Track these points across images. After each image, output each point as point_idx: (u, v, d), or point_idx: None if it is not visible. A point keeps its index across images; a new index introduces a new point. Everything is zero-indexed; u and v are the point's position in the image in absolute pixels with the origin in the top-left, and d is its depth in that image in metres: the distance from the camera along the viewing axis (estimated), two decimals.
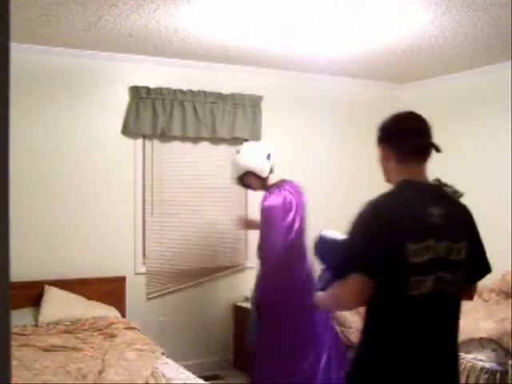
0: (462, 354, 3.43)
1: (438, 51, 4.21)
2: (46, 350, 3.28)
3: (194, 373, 3.16)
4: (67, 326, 3.75)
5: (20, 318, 3.74)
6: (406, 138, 1.85)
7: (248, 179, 3.66)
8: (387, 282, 1.71)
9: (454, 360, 1.86)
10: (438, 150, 1.84)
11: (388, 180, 1.95)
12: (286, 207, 3.47)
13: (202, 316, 4.72)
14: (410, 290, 1.70)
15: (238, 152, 3.72)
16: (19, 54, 4.00)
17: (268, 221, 3.49)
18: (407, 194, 1.80)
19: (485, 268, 1.92)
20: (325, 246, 2.03)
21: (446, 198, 1.85)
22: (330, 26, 3.62)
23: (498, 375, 3.52)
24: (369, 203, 1.79)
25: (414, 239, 1.70)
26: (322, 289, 1.95)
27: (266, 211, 3.49)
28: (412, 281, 1.69)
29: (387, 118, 1.93)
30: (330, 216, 5.16)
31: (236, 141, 4.69)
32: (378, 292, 1.71)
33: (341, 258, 1.80)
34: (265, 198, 3.52)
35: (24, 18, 3.44)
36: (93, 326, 3.75)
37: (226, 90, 4.73)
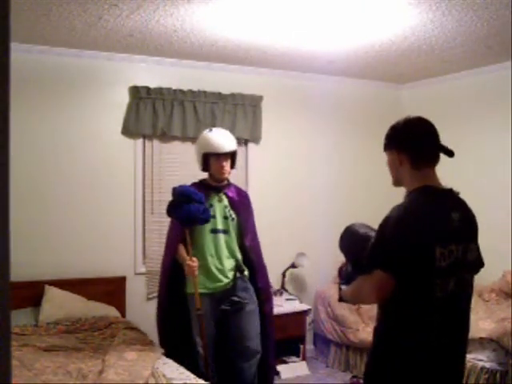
0: None
1: (438, 51, 4.21)
2: (46, 350, 3.28)
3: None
4: (67, 325, 3.75)
5: (20, 318, 3.74)
6: (422, 143, 1.91)
7: (226, 159, 3.35)
8: (414, 285, 1.77)
9: (463, 357, 1.95)
10: (451, 154, 1.89)
11: (399, 184, 1.98)
12: None
13: None
14: (435, 293, 1.78)
15: (210, 130, 3.41)
16: (19, 53, 3.99)
17: (251, 208, 3.57)
18: (432, 200, 1.86)
19: (481, 263, 2.00)
20: (351, 239, 2.05)
21: (459, 202, 1.92)
22: (330, 25, 3.62)
23: (498, 375, 3.52)
24: (400, 208, 1.84)
25: (441, 244, 1.77)
26: (346, 282, 2.02)
27: (249, 199, 3.59)
28: (438, 283, 1.77)
29: (397, 123, 1.96)
30: (330, 213, 5.16)
31: (236, 141, 4.68)
32: (402, 294, 1.77)
33: (368, 253, 1.84)
34: (239, 190, 3.58)
35: (24, 18, 3.44)
36: (93, 326, 3.75)
37: (225, 90, 4.73)
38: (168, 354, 3.32)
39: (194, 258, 3.22)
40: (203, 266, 3.30)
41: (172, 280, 3.40)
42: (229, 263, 3.37)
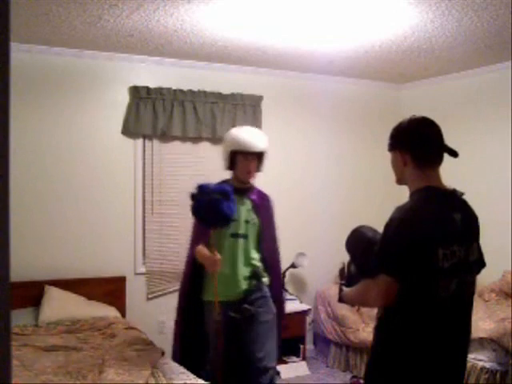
0: None
1: (438, 51, 4.21)
2: (46, 349, 3.28)
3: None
4: (67, 325, 3.75)
5: (20, 318, 3.74)
6: (426, 143, 1.91)
7: (254, 159, 3.13)
8: (417, 286, 1.77)
9: (464, 358, 1.97)
10: (455, 154, 1.90)
11: (401, 183, 1.98)
12: None
13: None
14: (438, 293, 1.78)
15: (241, 127, 3.23)
16: (19, 54, 4.00)
17: (273, 213, 3.34)
18: (435, 201, 1.86)
19: (483, 264, 2.01)
20: (358, 242, 2.05)
21: (461, 203, 1.93)
22: (330, 25, 3.62)
23: (498, 375, 3.52)
24: (403, 210, 1.84)
25: (444, 245, 1.78)
26: (348, 283, 2.02)
27: (271, 203, 3.34)
28: (441, 284, 1.78)
29: (402, 123, 1.96)
30: (330, 213, 5.17)
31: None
32: (405, 295, 1.77)
33: (373, 257, 1.84)
34: (263, 193, 3.32)
35: (24, 18, 3.44)
36: (93, 326, 3.75)
37: (226, 90, 4.74)
38: (179, 356, 3.24)
39: (217, 253, 2.96)
40: (219, 272, 3.04)
41: (193, 284, 3.21)
42: (245, 270, 3.15)
